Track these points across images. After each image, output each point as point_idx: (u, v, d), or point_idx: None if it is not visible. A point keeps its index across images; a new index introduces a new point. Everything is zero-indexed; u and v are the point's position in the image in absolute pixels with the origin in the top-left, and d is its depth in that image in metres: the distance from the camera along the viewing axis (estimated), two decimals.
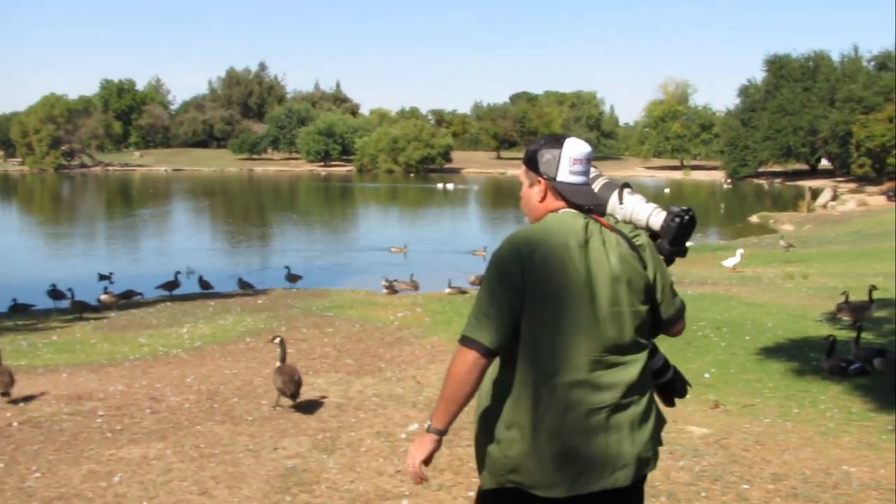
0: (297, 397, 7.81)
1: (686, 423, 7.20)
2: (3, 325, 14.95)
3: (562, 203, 3.02)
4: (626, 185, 3.19)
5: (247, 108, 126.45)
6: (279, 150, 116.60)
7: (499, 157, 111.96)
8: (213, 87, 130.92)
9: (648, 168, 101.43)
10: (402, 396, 8.08)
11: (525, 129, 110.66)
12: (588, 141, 3.16)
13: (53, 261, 27.49)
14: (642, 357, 2.98)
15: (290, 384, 7.72)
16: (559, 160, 3.00)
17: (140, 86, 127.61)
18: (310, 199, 64.85)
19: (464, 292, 17.18)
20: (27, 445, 6.85)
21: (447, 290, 17.22)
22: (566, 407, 2.86)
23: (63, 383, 9.46)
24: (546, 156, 3.02)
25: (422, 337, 11.64)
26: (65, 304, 16.62)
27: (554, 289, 2.87)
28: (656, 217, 3.12)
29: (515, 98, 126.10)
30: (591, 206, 3.02)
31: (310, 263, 24.72)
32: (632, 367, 2.94)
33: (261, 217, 47.26)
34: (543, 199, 3.04)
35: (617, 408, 2.90)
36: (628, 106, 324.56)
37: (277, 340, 8.21)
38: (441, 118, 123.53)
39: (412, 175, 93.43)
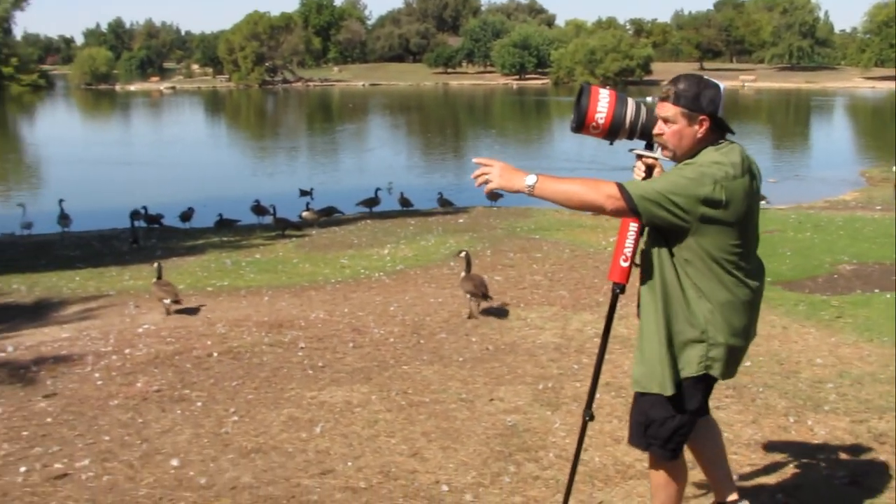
0: (489, 298, 8.21)
1: None
2: (210, 240, 14.97)
3: (716, 136, 3.21)
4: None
5: (442, 21, 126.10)
6: (474, 64, 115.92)
7: (702, 68, 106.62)
8: (409, 1, 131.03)
9: (868, 79, 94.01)
10: (627, 338, 7.08)
11: (731, 37, 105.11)
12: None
13: (257, 176, 27.89)
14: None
15: (480, 286, 8.13)
16: (721, 98, 3.17)
17: (338, 1, 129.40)
18: (505, 112, 63.86)
19: None
20: (226, 381, 6.37)
21: None
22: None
23: (265, 308, 9.06)
24: (709, 95, 3.16)
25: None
26: (268, 219, 16.53)
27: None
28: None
29: (720, 5, 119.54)
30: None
31: None
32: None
33: (456, 131, 46.81)
34: (705, 134, 3.19)
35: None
36: (846, 11, 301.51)
37: (463, 254, 8.87)
38: (640, 28, 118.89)
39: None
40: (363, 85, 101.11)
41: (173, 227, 17.13)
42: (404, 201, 18.84)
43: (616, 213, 3.13)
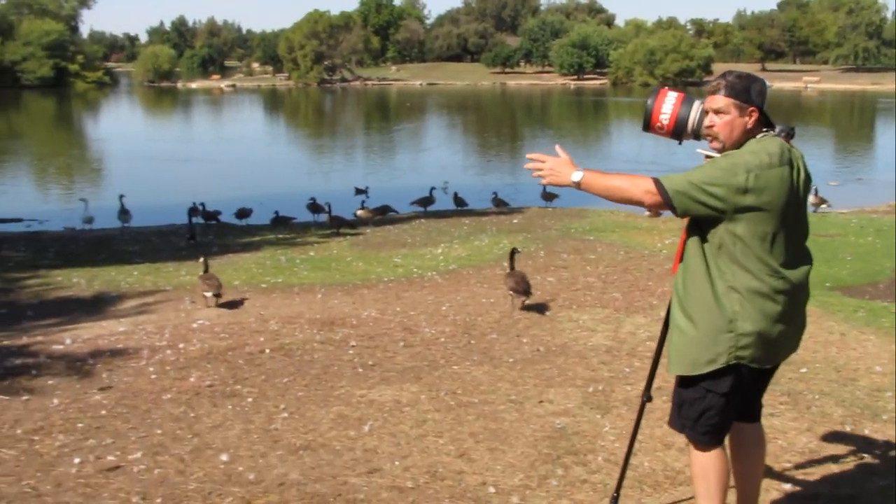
0: (530, 295, 8.50)
1: None
2: (265, 237, 15.12)
3: (761, 128, 3.34)
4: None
5: (500, 20, 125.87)
6: (532, 64, 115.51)
7: (763, 69, 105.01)
8: (468, 1, 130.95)
9: None
10: None
11: (794, 38, 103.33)
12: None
13: (314, 174, 28.08)
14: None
15: (522, 283, 8.42)
16: (766, 92, 3.34)
17: (397, 1, 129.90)
18: (562, 112, 63.52)
19: None
20: (277, 377, 6.42)
21: None
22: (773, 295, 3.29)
23: (317, 305, 9.12)
24: (757, 87, 3.30)
25: None
26: (323, 217, 16.64)
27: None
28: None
29: (784, 5, 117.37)
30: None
31: None
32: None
33: (513, 132, 46.69)
34: (753, 126, 3.32)
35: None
36: None
37: (510, 251, 9.11)
38: (701, 28, 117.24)
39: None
40: (420, 84, 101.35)
41: (230, 224, 17.35)
42: (459, 201, 18.84)
43: (654, 206, 3.33)
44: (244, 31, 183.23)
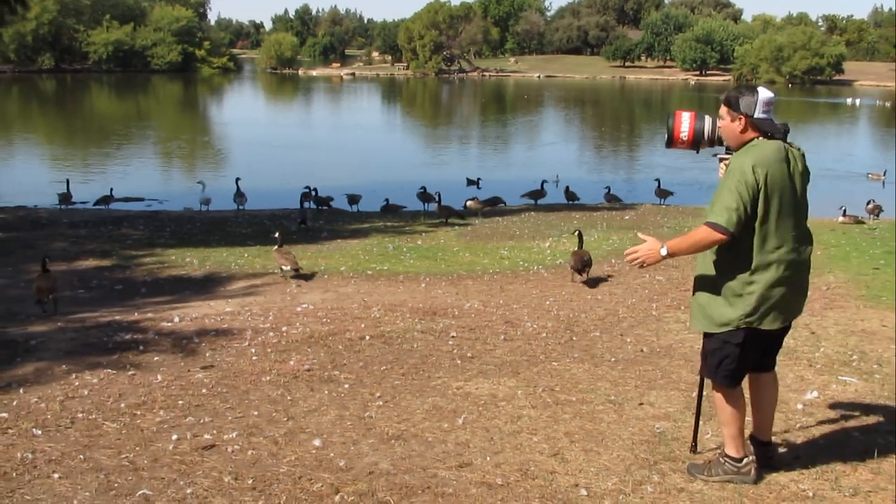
0: (584, 273, 9.62)
1: None
2: (374, 224, 15.24)
3: (756, 134, 4.06)
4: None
5: (622, 13, 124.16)
6: (653, 58, 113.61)
7: None
8: None
9: None
10: (793, 350, 6.71)
11: None
12: None
13: (427, 164, 28.16)
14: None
15: (579, 262, 9.55)
16: (760, 103, 4.02)
17: None
18: (683, 109, 62.08)
19: (861, 222, 14.98)
20: (375, 364, 6.41)
21: (840, 219, 15.09)
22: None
23: (420, 294, 9.10)
24: (746, 100, 4.03)
25: (814, 275, 9.98)
26: (432, 207, 16.66)
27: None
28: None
29: None
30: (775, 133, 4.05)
31: (679, 177, 22.72)
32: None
33: (630, 127, 45.94)
34: (744, 131, 4.07)
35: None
36: None
37: (576, 232, 10.33)
38: (833, 24, 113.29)
39: (790, 86, 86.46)
40: (538, 76, 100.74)
41: (341, 210, 17.56)
42: (570, 195, 18.61)
43: (727, 241, 3.96)
44: (365, 21, 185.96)
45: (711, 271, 4.12)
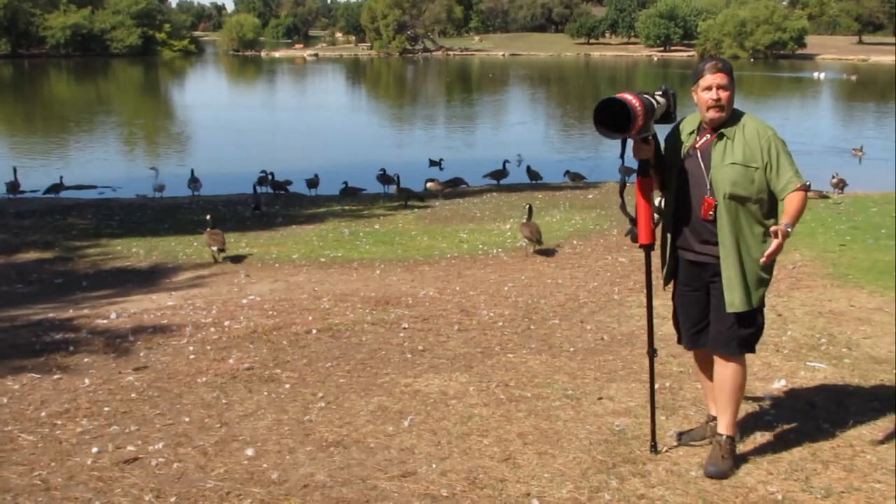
0: (541, 243, 10.10)
1: None
2: (332, 209, 14.83)
3: None
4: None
5: None
6: (617, 35, 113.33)
7: (860, 42, 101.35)
8: None
9: None
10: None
11: (895, 9, 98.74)
12: None
13: (389, 145, 27.65)
14: None
15: (536, 233, 9.99)
16: None
17: None
18: (647, 85, 61.91)
19: (826, 196, 14.77)
20: (320, 361, 6.04)
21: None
22: None
23: (374, 282, 8.74)
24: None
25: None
26: (392, 189, 16.25)
27: None
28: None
29: None
30: None
31: None
32: None
33: (595, 104, 45.59)
34: None
35: None
36: None
37: (526, 206, 10.60)
38: None
39: (753, 60, 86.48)
40: (503, 55, 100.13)
41: (298, 194, 17.09)
42: (533, 174, 18.28)
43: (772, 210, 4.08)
44: (328, 1, 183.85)
45: (755, 244, 4.04)
